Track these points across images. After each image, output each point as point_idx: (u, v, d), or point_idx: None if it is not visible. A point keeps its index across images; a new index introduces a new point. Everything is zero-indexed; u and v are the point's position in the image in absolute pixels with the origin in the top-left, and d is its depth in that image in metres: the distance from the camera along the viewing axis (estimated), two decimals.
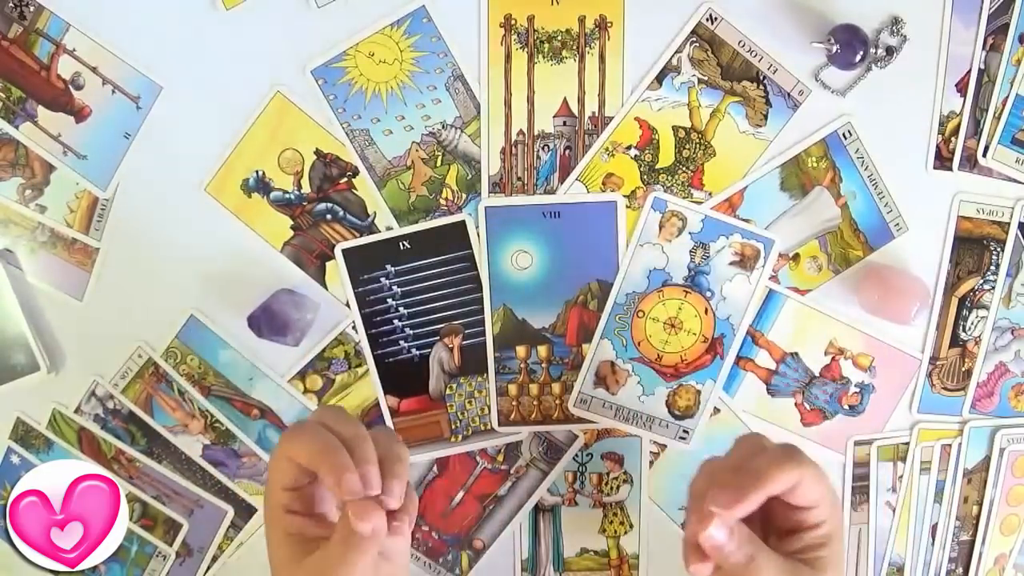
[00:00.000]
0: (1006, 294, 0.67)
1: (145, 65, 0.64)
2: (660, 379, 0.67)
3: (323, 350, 0.67)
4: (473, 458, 0.69)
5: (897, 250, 0.66)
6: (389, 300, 0.66)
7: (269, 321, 0.64)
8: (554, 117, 0.65)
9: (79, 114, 0.64)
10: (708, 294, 0.67)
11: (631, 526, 0.69)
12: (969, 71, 0.64)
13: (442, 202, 0.66)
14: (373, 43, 0.64)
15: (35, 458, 0.68)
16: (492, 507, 0.69)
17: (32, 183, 0.65)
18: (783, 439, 0.56)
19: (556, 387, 0.67)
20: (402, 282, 0.66)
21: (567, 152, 0.65)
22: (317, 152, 0.65)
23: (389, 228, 0.66)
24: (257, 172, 0.65)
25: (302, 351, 0.67)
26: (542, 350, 0.67)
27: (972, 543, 0.70)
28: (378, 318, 0.66)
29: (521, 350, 0.67)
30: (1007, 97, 0.65)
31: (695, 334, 0.67)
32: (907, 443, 0.69)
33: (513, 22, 0.64)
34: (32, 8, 0.63)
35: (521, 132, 0.65)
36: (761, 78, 0.64)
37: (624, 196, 0.65)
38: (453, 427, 0.68)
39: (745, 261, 0.66)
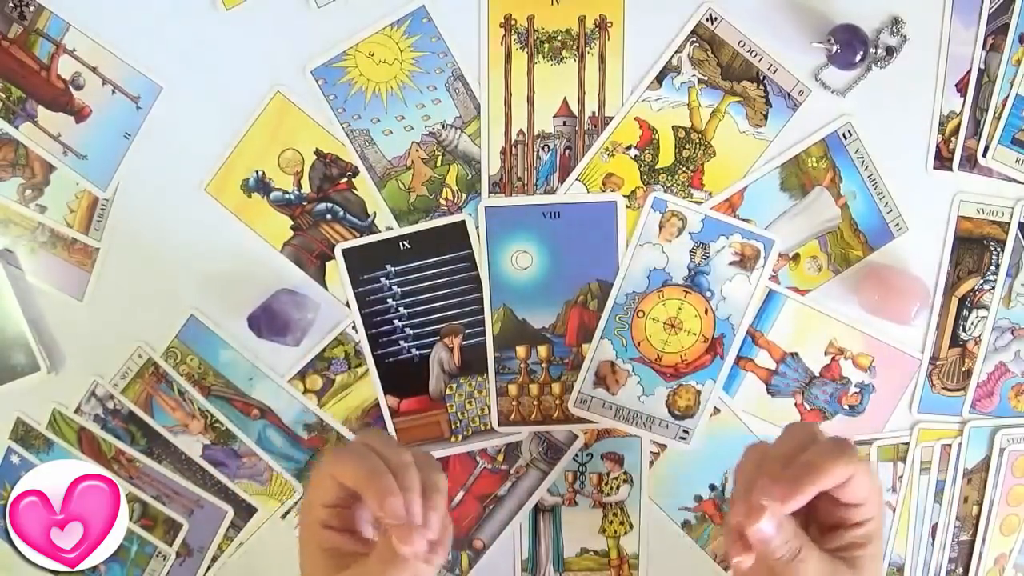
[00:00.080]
0: (1006, 294, 0.67)
1: (145, 65, 0.64)
2: (660, 379, 0.67)
3: (323, 350, 0.67)
4: (473, 458, 0.69)
5: (897, 250, 0.66)
6: (389, 300, 0.66)
7: (269, 321, 0.64)
8: (554, 117, 0.65)
9: (79, 114, 0.64)
10: (708, 294, 0.67)
11: (631, 526, 0.69)
12: (969, 71, 0.64)
13: (442, 202, 0.66)
14: (373, 43, 0.63)
15: (35, 458, 0.68)
16: (492, 507, 0.69)
17: (32, 183, 0.65)
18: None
19: (556, 387, 0.67)
20: (402, 282, 0.66)
21: (567, 152, 0.65)
22: (317, 152, 0.65)
23: (389, 228, 0.66)
24: (257, 172, 0.65)
25: (302, 351, 0.66)
26: (542, 350, 0.67)
27: (972, 543, 0.70)
28: (378, 318, 0.66)
29: (521, 350, 0.67)
30: (1007, 97, 0.65)
31: (695, 334, 0.67)
32: (907, 443, 0.69)
33: (513, 22, 0.64)
34: (32, 8, 0.63)
35: (521, 132, 0.65)
36: (761, 78, 0.64)
37: (624, 196, 0.65)
38: (453, 427, 0.68)
39: (745, 261, 0.66)
